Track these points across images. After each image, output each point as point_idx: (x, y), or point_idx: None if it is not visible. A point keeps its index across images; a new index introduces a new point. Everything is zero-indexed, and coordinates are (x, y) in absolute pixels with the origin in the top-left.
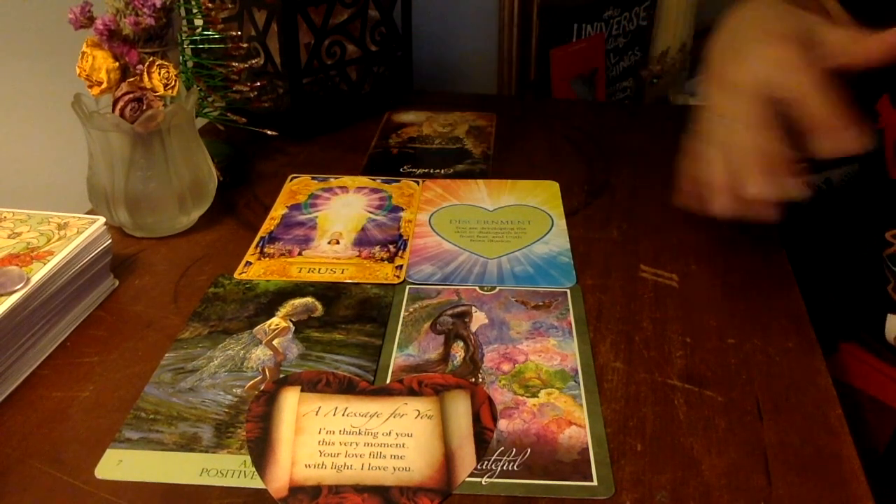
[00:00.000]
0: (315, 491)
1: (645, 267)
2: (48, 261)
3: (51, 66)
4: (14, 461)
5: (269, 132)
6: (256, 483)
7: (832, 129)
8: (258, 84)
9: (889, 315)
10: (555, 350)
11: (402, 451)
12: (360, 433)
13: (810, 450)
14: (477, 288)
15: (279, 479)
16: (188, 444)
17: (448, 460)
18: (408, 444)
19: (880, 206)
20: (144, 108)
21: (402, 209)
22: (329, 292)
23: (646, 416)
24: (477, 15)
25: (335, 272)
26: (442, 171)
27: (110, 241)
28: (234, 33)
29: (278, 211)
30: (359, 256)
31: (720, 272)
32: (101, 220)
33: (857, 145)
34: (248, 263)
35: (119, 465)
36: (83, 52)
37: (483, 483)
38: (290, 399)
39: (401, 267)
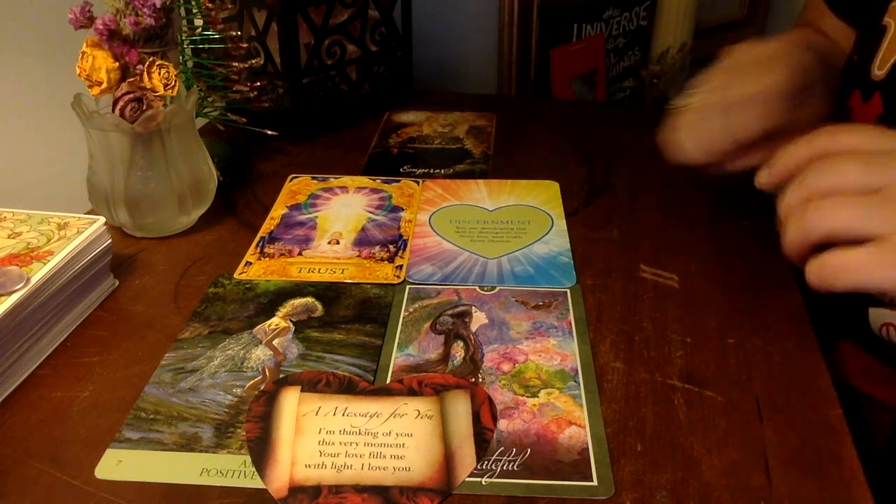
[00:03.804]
0: (315, 491)
1: (645, 267)
2: (48, 261)
3: (51, 66)
4: (14, 461)
5: (269, 132)
6: (256, 483)
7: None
8: (258, 84)
9: (870, 308)
10: (555, 350)
11: (402, 451)
12: (360, 433)
13: (810, 450)
14: (477, 288)
15: (279, 479)
16: (188, 444)
17: (448, 460)
18: (408, 444)
19: None
20: (144, 108)
21: (402, 209)
22: (329, 292)
23: (646, 416)
24: (477, 15)
25: (335, 272)
26: (442, 171)
27: (110, 241)
28: (234, 33)
29: (278, 211)
30: (359, 256)
31: (720, 272)
32: (101, 220)
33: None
34: (248, 263)
35: (119, 465)
36: (83, 52)
37: (483, 483)
38: (290, 399)
39: (401, 267)
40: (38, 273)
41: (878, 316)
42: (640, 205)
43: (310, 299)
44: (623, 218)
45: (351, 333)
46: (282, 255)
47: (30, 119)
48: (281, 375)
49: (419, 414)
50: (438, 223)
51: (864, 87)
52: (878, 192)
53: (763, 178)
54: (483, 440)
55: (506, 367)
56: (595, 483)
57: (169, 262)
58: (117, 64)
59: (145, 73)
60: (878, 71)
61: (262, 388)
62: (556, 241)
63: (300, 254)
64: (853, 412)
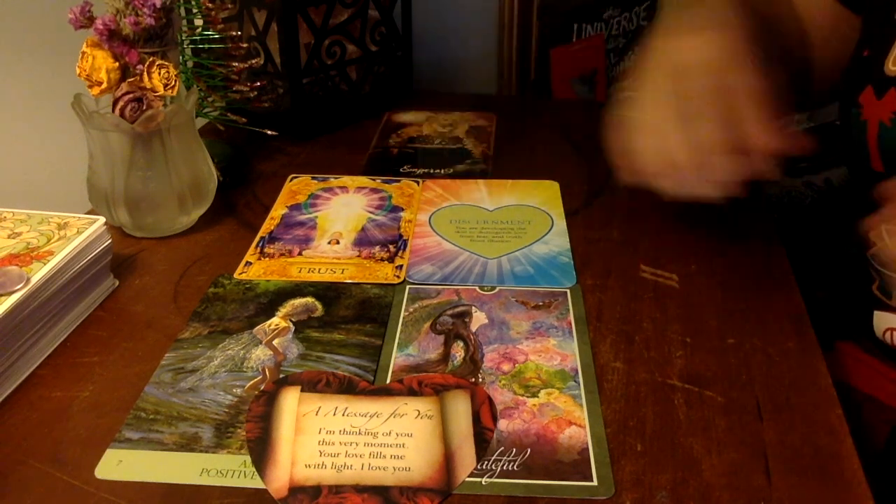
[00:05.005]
0: (315, 491)
1: (645, 267)
2: (48, 261)
3: (51, 66)
4: (14, 461)
5: (269, 132)
6: (256, 483)
7: (760, 139)
8: (258, 84)
9: (875, 312)
10: (555, 350)
11: (402, 451)
12: (360, 433)
13: (810, 450)
14: (477, 288)
15: (279, 479)
16: (188, 444)
17: (448, 460)
18: (408, 444)
19: (868, 203)
20: (144, 108)
21: (402, 209)
22: (329, 292)
23: (646, 416)
24: (477, 15)
25: (335, 272)
26: (442, 171)
27: (110, 241)
28: (234, 33)
29: (278, 211)
30: (359, 256)
31: (720, 272)
32: (101, 220)
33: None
34: (248, 263)
35: (119, 465)
36: (83, 52)
37: (483, 483)
38: (290, 399)
39: (401, 267)
40: (38, 273)
41: (882, 320)
42: (640, 205)
43: (310, 299)
44: (623, 218)
45: (351, 333)
46: (282, 255)
47: (30, 119)
48: (281, 375)
49: (419, 414)
50: (438, 223)
51: (876, 84)
52: None
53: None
54: (483, 440)
55: (506, 367)
56: (595, 483)
57: (169, 262)
58: (117, 64)
59: (145, 73)
60: (893, 66)
61: (262, 388)
62: (556, 241)
63: (300, 254)
64: (853, 412)
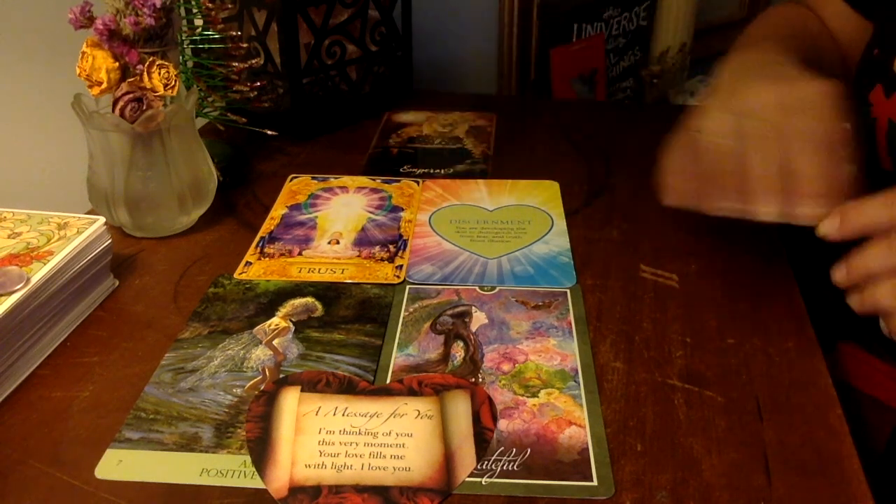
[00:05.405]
0: (315, 491)
1: (645, 267)
2: (48, 261)
3: (51, 66)
4: (14, 462)
5: (269, 132)
6: (256, 483)
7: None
8: (258, 84)
9: None
10: (555, 350)
11: (402, 451)
12: (360, 433)
13: (810, 450)
14: (477, 288)
15: (279, 479)
16: (188, 444)
17: (448, 460)
18: (408, 444)
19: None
20: (144, 108)
21: (402, 209)
22: (329, 292)
23: (646, 416)
24: (477, 15)
25: (335, 272)
26: (442, 171)
27: (110, 241)
28: (234, 33)
29: (278, 211)
30: (359, 256)
31: (720, 272)
32: (101, 220)
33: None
34: (248, 263)
35: (119, 465)
36: (83, 52)
37: (483, 483)
38: (290, 399)
39: (401, 267)
40: (38, 273)
41: None
42: (640, 205)
43: (310, 299)
44: (623, 218)
45: (351, 333)
46: (282, 255)
47: (30, 119)
48: (281, 375)
49: (419, 414)
50: (438, 223)
51: (886, 82)
52: None
53: (830, 232)
54: (483, 440)
55: (506, 367)
56: (595, 483)
57: (169, 262)
58: (117, 64)
59: (145, 73)
60: None
61: (262, 388)
62: (556, 241)
63: (300, 254)
64: (853, 413)
